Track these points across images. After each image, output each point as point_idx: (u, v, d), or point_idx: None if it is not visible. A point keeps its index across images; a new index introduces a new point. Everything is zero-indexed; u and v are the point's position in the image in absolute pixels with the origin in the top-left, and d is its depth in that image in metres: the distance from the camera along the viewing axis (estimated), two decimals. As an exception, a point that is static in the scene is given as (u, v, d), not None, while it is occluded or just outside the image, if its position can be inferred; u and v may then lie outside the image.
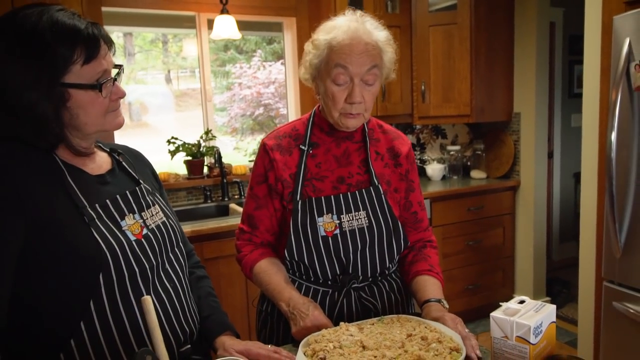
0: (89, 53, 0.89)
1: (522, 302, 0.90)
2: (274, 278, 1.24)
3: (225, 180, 3.01)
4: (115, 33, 3.17)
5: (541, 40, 3.23)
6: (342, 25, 1.19)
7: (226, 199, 3.03)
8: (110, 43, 0.95)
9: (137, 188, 1.05)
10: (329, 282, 1.27)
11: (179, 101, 3.52)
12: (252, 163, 3.20)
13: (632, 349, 1.89)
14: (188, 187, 3.01)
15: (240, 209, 2.87)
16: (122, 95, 0.98)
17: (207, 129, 3.13)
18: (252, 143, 3.73)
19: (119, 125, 1.00)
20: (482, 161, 3.56)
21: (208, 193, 3.01)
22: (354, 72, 1.16)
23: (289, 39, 3.32)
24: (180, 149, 2.97)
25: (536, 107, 3.28)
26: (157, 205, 1.08)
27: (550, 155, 4.08)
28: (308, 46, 1.25)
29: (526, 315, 0.85)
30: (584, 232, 2.37)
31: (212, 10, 2.94)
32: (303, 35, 3.23)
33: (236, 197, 3.11)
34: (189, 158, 3.01)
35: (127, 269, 0.93)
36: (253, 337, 2.55)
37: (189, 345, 1.05)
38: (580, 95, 4.17)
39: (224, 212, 2.97)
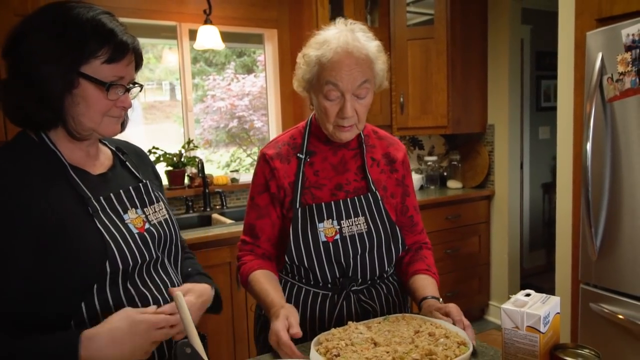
0: (112, 55, 0.95)
1: (528, 295, 0.94)
2: (264, 286, 1.24)
3: (207, 191, 2.99)
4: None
5: (513, 56, 3.37)
6: (331, 40, 1.19)
7: (208, 209, 3.00)
8: (139, 58, 1.02)
9: (140, 184, 1.10)
10: (329, 285, 1.28)
11: (147, 114, 3.47)
12: (233, 174, 3.20)
13: (609, 348, 1.97)
14: (169, 198, 2.95)
15: (223, 219, 2.85)
16: (128, 105, 1.02)
17: (188, 139, 3.10)
18: (225, 155, 3.69)
19: (113, 133, 1.03)
20: (458, 171, 3.66)
21: (190, 203, 2.97)
22: (345, 88, 1.17)
23: (269, 51, 3.35)
24: (161, 159, 2.93)
25: (509, 119, 3.41)
26: (160, 203, 1.13)
27: (520, 167, 4.23)
28: (300, 60, 1.25)
29: (534, 306, 0.89)
30: (560, 238, 2.47)
31: (194, 21, 2.94)
32: (284, 47, 3.27)
33: (218, 207, 3.08)
34: (170, 168, 2.97)
35: (131, 260, 0.98)
36: (238, 345, 2.53)
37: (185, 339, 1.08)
38: (547, 109, 4.37)
39: (206, 222, 2.94)
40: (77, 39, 0.92)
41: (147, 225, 1.04)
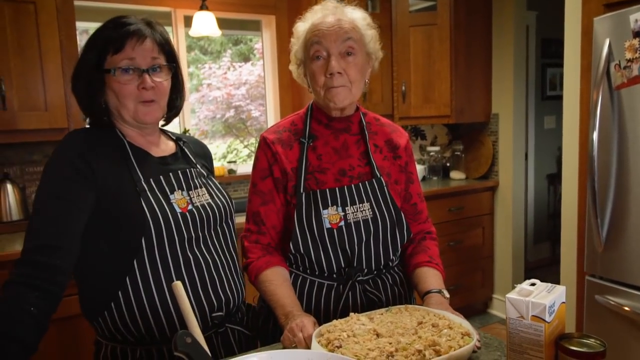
0: (117, 44, 1.06)
1: (533, 284, 0.91)
2: (278, 290, 1.20)
3: (204, 181, 2.94)
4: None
5: (518, 43, 3.28)
6: (317, 9, 1.27)
7: (205, 201, 2.95)
8: (146, 37, 1.09)
9: (187, 170, 1.19)
10: (334, 276, 1.26)
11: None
12: (230, 165, 3.14)
13: (615, 340, 1.93)
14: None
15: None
16: (148, 86, 1.08)
17: (184, 129, 3.05)
18: (222, 147, 3.61)
19: (151, 120, 1.13)
20: (461, 162, 3.59)
21: (186, 194, 2.92)
22: (329, 45, 1.20)
23: (267, 38, 3.28)
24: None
25: (514, 108, 3.33)
26: (204, 188, 1.20)
27: (525, 157, 4.16)
28: (292, 40, 1.29)
29: (540, 295, 0.87)
30: (565, 229, 2.41)
31: (189, 7, 2.88)
32: (282, 34, 3.19)
33: (215, 198, 3.03)
34: (166, 158, 2.92)
35: (167, 236, 1.07)
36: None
37: (222, 313, 1.16)
38: (553, 98, 4.28)
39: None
40: (94, 45, 1.08)
41: (189, 207, 1.13)
